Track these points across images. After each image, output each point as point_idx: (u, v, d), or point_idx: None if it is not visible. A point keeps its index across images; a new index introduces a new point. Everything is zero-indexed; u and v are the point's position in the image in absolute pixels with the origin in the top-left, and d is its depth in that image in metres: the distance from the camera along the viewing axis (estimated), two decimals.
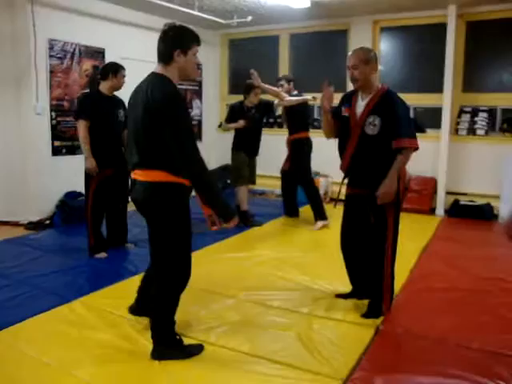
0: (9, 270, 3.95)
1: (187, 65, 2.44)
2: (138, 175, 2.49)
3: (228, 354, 2.64)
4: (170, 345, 2.59)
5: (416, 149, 2.97)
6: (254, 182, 5.83)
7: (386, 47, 6.97)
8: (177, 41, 2.40)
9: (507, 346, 2.71)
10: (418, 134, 6.54)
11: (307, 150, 5.61)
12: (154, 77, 2.46)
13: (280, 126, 7.55)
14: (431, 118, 6.60)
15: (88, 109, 4.22)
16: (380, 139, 2.93)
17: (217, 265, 4.15)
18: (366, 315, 3.07)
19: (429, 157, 6.47)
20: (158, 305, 2.57)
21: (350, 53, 3.04)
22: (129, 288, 3.52)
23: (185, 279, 2.58)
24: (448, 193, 6.37)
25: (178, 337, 2.64)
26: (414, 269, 4.06)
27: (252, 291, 3.53)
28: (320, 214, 5.50)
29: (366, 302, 3.21)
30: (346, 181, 3.27)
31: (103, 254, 4.36)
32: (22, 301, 3.33)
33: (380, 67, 6.91)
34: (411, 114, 2.99)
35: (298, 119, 5.60)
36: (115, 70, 4.25)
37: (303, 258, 4.33)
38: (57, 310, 3.19)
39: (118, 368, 2.50)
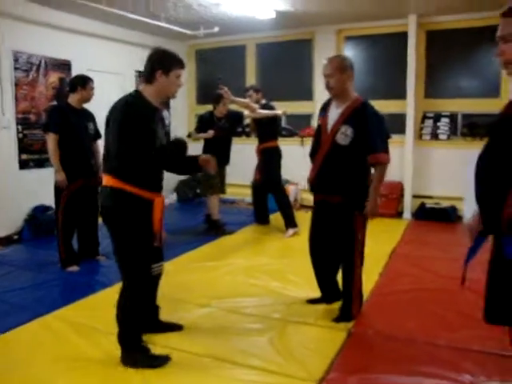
0: None
1: (168, 84, 2.60)
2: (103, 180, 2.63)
3: (203, 360, 2.67)
4: (135, 350, 2.64)
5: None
6: (224, 192, 5.87)
7: (350, 56, 7.09)
8: (159, 62, 2.59)
9: (472, 342, 2.83)
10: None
11: (277, 159, 5.68)
12: (132, 92, 2.69)
13: (247, 135, 7.63)
14: (396, 123, 6.77)
15: (57, 122, 4.20)
16: (351, 150, 2.93)
17: (189, 274, 4.17)
18: (337, 319, 3.13)
19: (395, 161, 6.44)
20: (121, 312, 2.64)
21: (325, 61, 3.04)
22: (102, 300, 3.53)
23: (142, 289, 2.66)
24: (414, 196, 6.55)
25: (144, 344, 2.70)
26: (383, 272, 4.18)
27: (224, 299, 3.56)
28: (290, 222, 5.57)
29: (336, 306, 3.29)
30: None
31: (75, 267, 4.33)
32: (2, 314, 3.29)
33: None
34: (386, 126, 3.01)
35: (267, 128, 5.67)
36: (84, 82, 4.25)
37: (274, 265, 4.39)
38: (28, 325, 3.15)
39: (93, 380, 2.50)
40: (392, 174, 6.60)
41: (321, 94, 7.08)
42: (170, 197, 7.80)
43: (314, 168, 3.15)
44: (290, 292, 3.71)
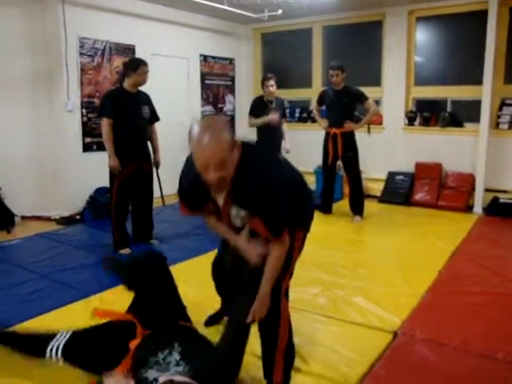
0: (34, 264, 4.04)
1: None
2: None
3: None
4: None
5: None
6: None
7: (422, 38, 6.69)
8: None
9: None
10: (456, 129, 6.28)
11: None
12: None
13: (314, 120, 7.41)
14: (470, 111, 6.30)
15: (110, 106, 4.23)
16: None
17: None
18: None
19: (467, 152, 6.21)
20: None
21: (196, 143, 1.78)
22: None
23: None
24: (487, 190, 6.06)
25: None
26: (443, 270, 3.87)
27: None
28: (361, 209, 5.55)
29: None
30: None
31: (127, 250, 4.39)
32: (41, 295, 3.39)
33: (416, 58, 6.68)
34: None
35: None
36: (136, 66, 4.25)
37: (329, 257, 4.19)
38: (74, 304, 3.22)
39: None
40: (463, 165, 6.20)
41: (390, 78, 6.77)
42: None
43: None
44: (338, 287, 3.52)
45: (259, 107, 5.54)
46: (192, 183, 2.03)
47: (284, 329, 2.22)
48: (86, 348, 2.24)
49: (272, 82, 5.46)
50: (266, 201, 1.93)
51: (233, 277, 2.42)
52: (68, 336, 2.27)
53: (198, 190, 2.03)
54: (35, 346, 2.30)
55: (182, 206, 2.22)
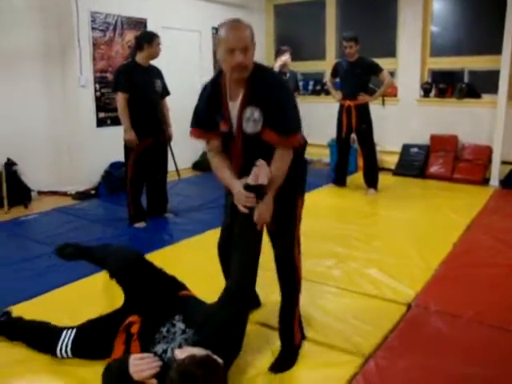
0: (52, 238, 4.08)
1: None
2: None
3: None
4: None
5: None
6: None
7: (438, 7, 6.53)
8: None
9: None
10: (473, 100, 6.16)
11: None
12: None
13: (327, 93, 7.33)
14: (487, 82, 6.17)
15: (125, 81, 4.22)
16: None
17: None
18: (275, 368, 2.26)
19: (484, 124, 6.11)
20: None
21: (228, 28, 2.05)
22: (159, 257, 3.56)
23: None
24: (504, 162, 5.97)
25: None
26: (458, 243, 3.85)
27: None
28: (375, 182, 5.53)
29: None
30: None
31: (142, 224, 4.44)
32: (60, 268, 3.44)
33: (432, 28, 6.53)
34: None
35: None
36: (150, 39, 4.21)
37: (343, 230, 4.19)
38: (89, 278, 3.27)
39: None
40: (480, 137, 6.11)
41: (405, 50, 6.64)
42: None
43: (235, 170, 2.25)
44: (353, 259, 3.53)
45: None
46: (208, 98, 2.21)
47: (299, 279, 2.37)
48: (92, 341, 2.30)
49: (287, 54, 5.40)
50: (281, 98, 2.09)
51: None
52: (73, 334, 2.32)
53: (213, 105, 2.19)
54: (44, 345, 2.38)
55: (193, 130, 2.32)
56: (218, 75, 2.21)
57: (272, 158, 2.12)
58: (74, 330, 2.34)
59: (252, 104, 2.09)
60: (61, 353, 2.31)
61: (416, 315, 2.73)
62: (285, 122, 2.09)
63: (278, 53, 5.48)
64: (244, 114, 2.11)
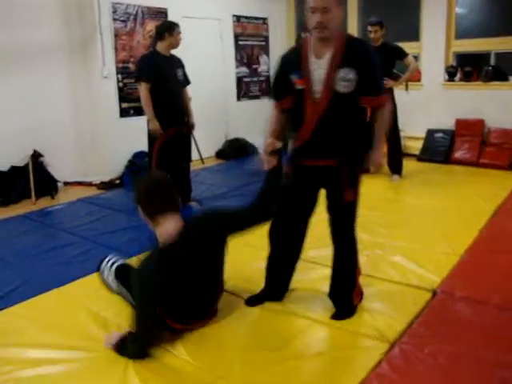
0: (77, 228, 4.18)
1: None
2: None
3: (269, 307, 2.63)
4: None
5: None
6: None
7: None
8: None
9: None
10: (500, 83, 6.04)
11: None
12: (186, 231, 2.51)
13: None
14: None
15: (148, 70, 4.25)
16: (355, 97, 2.32)
17: None
18: (337, 316, 2.55)
19: (511, 107, 5.96)
20: None
21: None
22: None
23: None
24: None
25: None
26: (484, 229, 3.79)
27: (309, 249, 3.46)
28: (399, 168, 5.47)
29: None
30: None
31: None
32: (85, 257, 3.52)
33: (457, 10, 6.37)
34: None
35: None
36: (170, 28, 4.22)
37: (368, 217, 4.13)
38: None
39: None
40: (507, 121, 5.97)
41: (428, 34, 6.50)
42: None
43: (305, 130, 2.39)
44: (377, 246, 3.51)
45: None
46: (284, 60, 2.47)
47: (356, 249, 2.59)
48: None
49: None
50: (373, 61, 2.33)
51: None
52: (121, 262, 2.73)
53: (290, 65, 2.41)
54: None
55: (276, 104, 2.55)
56: (297, 41, 2.48)
57: (349, 122, 2.37)
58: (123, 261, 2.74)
59: (347, 65, 2.25)
60: (106, 263, 2.73)
61: (441, 301, 2.70)
62: (376, 83, 2.37)
63: (298, 39, 5.44)
64: (337, 74, 2.27)
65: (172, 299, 2.31)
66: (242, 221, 2.50)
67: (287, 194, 2.53)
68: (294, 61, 2.38)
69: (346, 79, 2.26)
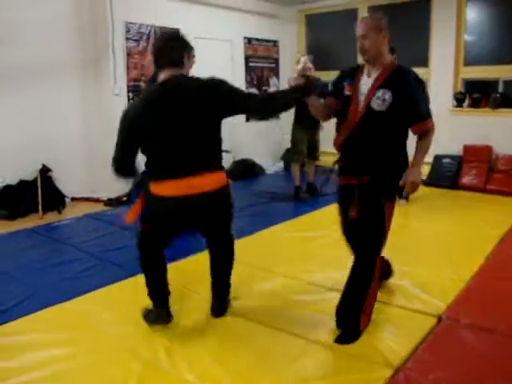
0: (83, 244, 4.19)
1: (191, 66, 2.63)
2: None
3: (266, 330, 2.61)
4: None
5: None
6: (316, 158, 5.76)
7: (472, 16, 6.44)
8: (185, 45, 2.58)
9: None
10: (508, 110, 6.07)
11: None
12: (182, 78, 2.55)
13: None
14: None
15: None
16: (386, 117, 2.53)
17: (281, 243, 4.13)
18: (340, 339, 2.54)
19: None
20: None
21: (358, 21, 2.68)
22: (193, 263, 3.61)
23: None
24: None
25: None
26: (490, 255, 3.76)
27: (310, 271, 3.45)
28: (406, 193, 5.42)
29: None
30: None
31: None
32: (90, 273, 3.53)
33: (466, 37, 6.44)
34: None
35: None
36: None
37: None
38: (121, 283, 3.34)
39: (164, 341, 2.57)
40: None
41: (437, 60, 6.56)
42: (276, 165, 7.80)
43: (341, 135, 2.69)
44: None
45: None
46: (344, 70, 2.82)
47: (376, 276, 2.62)
48: None
49: (303, 59, 5.44)
50: (415, 90, 2.55)
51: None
52: None
53: (346, 75, 2.74)
54: None
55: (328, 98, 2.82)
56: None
57: (377, 140, 2.57)
58: None
59: (386, 87, 2.52)
60: None
61: (446, 327, 2.68)
62: (417, 109, 2.56)
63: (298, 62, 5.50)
64: (376, 93, 2.53)
65: (149, 147, 2.51)
66: (236, 105, 2.61)
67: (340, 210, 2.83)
68: (351, 74, 2.71)
69: (381, 99, 2.52)
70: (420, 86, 2.61)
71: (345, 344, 2.49)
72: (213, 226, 2.73)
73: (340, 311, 2.65)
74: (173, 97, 2.45)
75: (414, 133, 2.62)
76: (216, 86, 2.54)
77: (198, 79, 2.55)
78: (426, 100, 2.63)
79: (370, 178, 2.59)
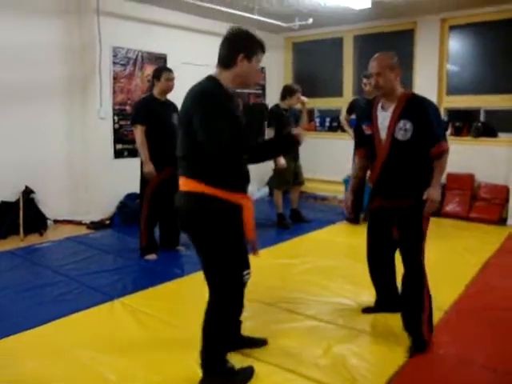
0: (63, 267, 4.14)
1: (250, 71, 2.28)
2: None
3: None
4: (220, 375, 2.32)
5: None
6: (301, 183, 5.84)
7: (455, 46, 6.58)
8: (242, 45, 2.25)
9: None
10: (489, 139, 6.20)
11: None
12: (203, 79, 2.34)
13: (344, 130, 7.37)
14: (504, 121, 6.16)
15: (143, 114, 4.33)
16: (412, 145, 2.75)
17: (262, 271, 4.10)
18: (412, 351, 2.69)
19: (501, 163, 6.05)
20: (211, 331, 2.29)
21: (372, 60, 2.88)
22: (169, 290, 3.58)
23: (237, 301, 2.35)
24: None
25: (229, 364, 2.35)
26: (471, 284, 3.77)
27: (290, 299, 3.44)
28: None
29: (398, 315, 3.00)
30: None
31: (153, 256, 4.45)
32: (69, 297, 3.49)
33: (448, 66, 6.57)
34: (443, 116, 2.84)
35: None
36: (158, 74, 4.37)
37: (353, 269, 4.12)
38: (99, 307, 3.30)
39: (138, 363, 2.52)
40: (497, 176, 6.04)
41: (421, 88, 6.64)
42: (262, 190, 7.81)
43: (374, 170, 2.95)
44: (361, 298, 3.48)
45: (275, 118, 5.54)
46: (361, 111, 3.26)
47: (426, 285, 2.83)
48: None
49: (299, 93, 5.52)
50: (430, 117, 2.71)
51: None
52: None
53: (363, 115, 3.06)
54: None
55: (358, 151, 3.13)
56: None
57: (408, 166, 2.78)
58: None
59: (405, 117, 2.72)
60: None
61: (422, 358, 2.65)
62: (433, 134, 2.71)
63: (291, 91, 5.54)
64: (398, 124, 2.74)
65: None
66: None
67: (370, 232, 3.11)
68: (366, 114, 2.97)
69: (404, 129, 2.73)
70: (434, 111, 2.81)
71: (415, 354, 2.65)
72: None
73: (404, 326, 2.84)
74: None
75: (432, 155, 2.75)
76: (193, 107, 2.20)
77: (198, 85, 2.31)
78: (440, 123, 2.85)
79: (412, 200, 2.79)
